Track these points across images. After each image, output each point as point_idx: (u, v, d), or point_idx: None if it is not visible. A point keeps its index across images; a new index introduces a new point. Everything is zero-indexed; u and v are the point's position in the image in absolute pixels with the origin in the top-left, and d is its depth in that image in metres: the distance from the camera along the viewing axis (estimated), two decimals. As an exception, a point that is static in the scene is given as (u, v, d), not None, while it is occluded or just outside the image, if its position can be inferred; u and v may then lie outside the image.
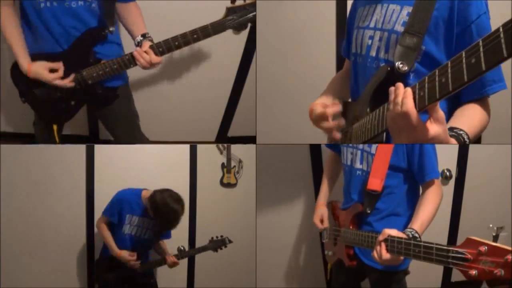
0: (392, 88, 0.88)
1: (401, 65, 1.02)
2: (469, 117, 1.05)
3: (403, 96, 0.83)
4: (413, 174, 1.32)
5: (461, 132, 0.97)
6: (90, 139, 2.34)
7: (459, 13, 1.01)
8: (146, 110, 1.93)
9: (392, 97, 0.87)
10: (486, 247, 0.79)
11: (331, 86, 1.46)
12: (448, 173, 2.18)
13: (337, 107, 1.25)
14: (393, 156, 1.30)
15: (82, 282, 2.19)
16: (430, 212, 1.25)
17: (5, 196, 2.02)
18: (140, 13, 1.69)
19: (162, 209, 1.71)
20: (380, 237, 1.14)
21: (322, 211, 1.60)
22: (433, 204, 1.27)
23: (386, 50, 1.13)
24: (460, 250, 0.84)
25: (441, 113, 0.83)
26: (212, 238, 1.94)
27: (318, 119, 1.25)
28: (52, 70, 1.54)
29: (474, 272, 0.81)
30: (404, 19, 1.09)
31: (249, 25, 2.09)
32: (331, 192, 1.67)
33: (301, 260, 2.28)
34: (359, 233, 1.35)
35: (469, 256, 0.82)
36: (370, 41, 1.17)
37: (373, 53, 1.16)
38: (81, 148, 2.11)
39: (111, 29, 1.56)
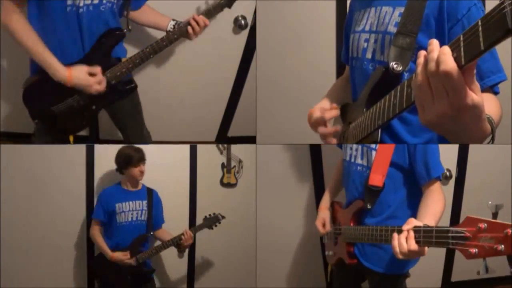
0: (422, 52, 0.69)
1: (395, 65, 1.02)
2: (489, 105, 0.85)
3: (441, 53, 0.64)
4: (415, 175, 1.29)
5: (488, 115, 0.79)
6: (90, 139, 2.34)
7: (449, 9, 1.01)
8: (146, 110, 1.93)
9: (420, 59, 0.69)
10: (485, 224, 0.77)
11: (331, 92, 1.47)
12: (448, 173, 2.18)
13: (335, 112, 1.26)
14: (395, 154, 1.29)
15: (82, 281, 2.19)
16: (439, 211, 1.18)
17: (5, 196, 2.02)
18: (154, 9, 1.79)
19: (118, 156, 1.91)
20: (406, 226, 1.00)
21: (324, 214, 1.59)
22: (440, 203, 1.21)
23: (381, 52, 1.14)
24: (459, 229, 0.82)
25: (477, 83, 0.66)
26: (206, 216, 1.99)
27: (315, 124, 1.27)
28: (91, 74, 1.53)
29: (474, 251, 0.78)
30: (396, 20, 1.09)
31: (249, 25, 2.11)
32: (335, 196, 1.67)
33: (301, 260, 2.28)
34: (360, 228, 1.34)
35: (468, 234, 0.80)
36: (365, 44, 1.18)
37: (369, 55, 1.17)
38: (81, 148, 2.11)
39: (130, 27, 1.63)
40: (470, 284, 2.38)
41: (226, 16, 2.06)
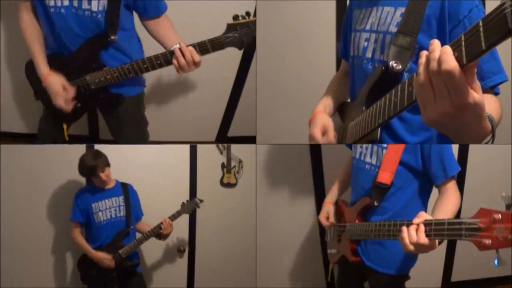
0: (424, 52, 0.71)
1: (395, 64, 1.03)
2: (489, 105, 0.86)
3: (442, 52, 0.65)
4: (429, 174, 1.29)
5: (488, 114, 0.79)
6: (90, 139, 2.34)
7: (451, 10, 1.02)
8: (146, 110, 1.93)
9: (422, 59, 0.70)
10: (499, 215, 0.77)
11: (331, 90, 1.47)
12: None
13: (332, 141, 1.28)
14: (406, 153, 1.29)
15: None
16: (453, 210, 1.19)
17: (5, 196, 2.02)
18: (171, 24, 1.64)
19: (81, 167, 1.87)
20: (417, 220, 0.98)
21: (328, 208, 1.60)
22: (455, 200, 1.22)
23: (381, 51, 1.14)
24: (472, 220, 0.82)
25: (478, 82, 0.67)
26: (183, 202, 1.97)
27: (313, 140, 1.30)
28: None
29: (488, 241, 0.78)
30: (397, 20, 1.10)
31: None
32: (341, 193, 1.67)
33: (302, 260, 2.28)
34: (367, 224, 1.34)
35: (482, 225, 0.80)
36: (366, 43, 1.19)
37: (369, 54, 1.18)
38: (81, 148, 2.11)
39: (112, 37, 1.53)
40: (470, 284, 2.38)
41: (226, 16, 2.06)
